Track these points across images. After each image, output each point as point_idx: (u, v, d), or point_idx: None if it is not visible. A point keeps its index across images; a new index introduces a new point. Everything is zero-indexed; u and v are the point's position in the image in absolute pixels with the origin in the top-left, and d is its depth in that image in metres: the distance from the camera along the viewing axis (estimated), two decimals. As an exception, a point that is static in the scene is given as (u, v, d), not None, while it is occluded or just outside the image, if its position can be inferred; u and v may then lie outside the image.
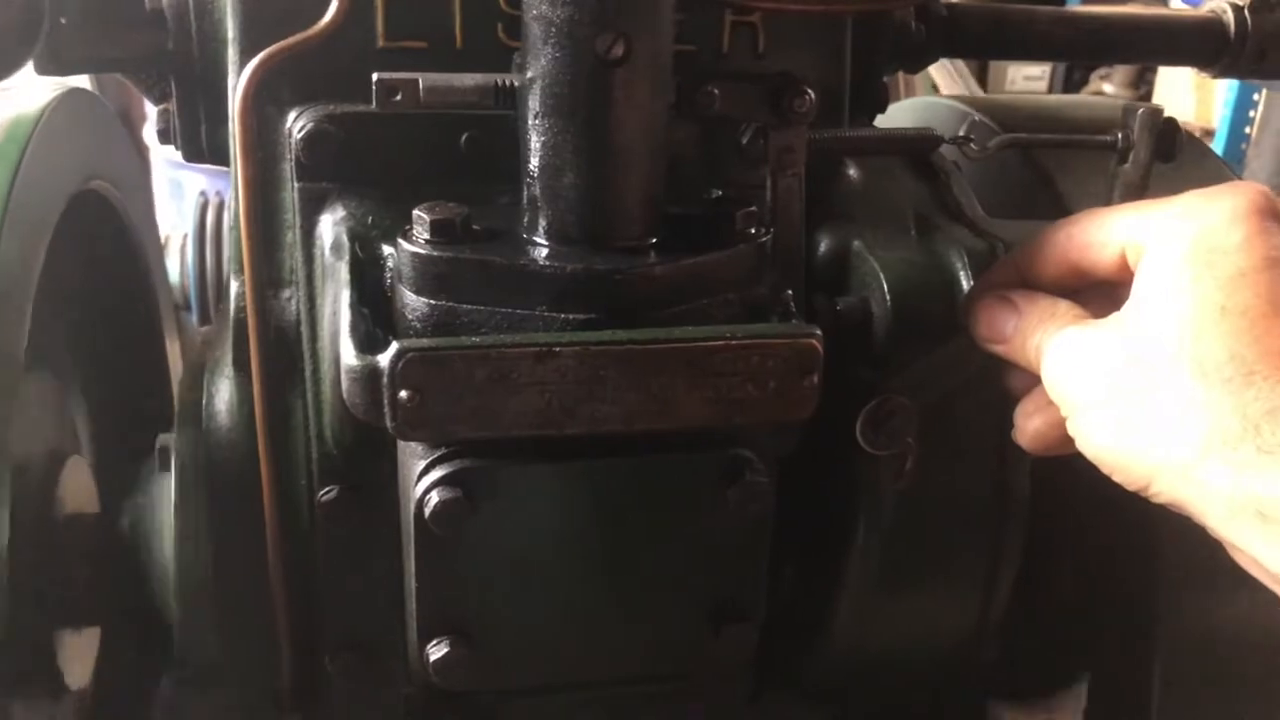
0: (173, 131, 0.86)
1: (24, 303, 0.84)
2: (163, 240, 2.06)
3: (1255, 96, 3.49)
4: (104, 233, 1.14)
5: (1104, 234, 0.63)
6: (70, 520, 0.96)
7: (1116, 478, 0.59)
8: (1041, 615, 0.93)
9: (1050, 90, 4.08)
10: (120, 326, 1.22)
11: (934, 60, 1.02)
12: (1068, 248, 0.66)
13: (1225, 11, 1.06)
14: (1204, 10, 1.08)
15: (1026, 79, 4.04)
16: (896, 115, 1.11)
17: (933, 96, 1.34)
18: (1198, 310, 0.56)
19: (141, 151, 2.30)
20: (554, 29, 0.60)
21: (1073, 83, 4.16)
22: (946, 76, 2.12)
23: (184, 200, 2.40)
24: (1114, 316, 0.60)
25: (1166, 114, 0.76)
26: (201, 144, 0.86)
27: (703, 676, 0.78)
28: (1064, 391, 0.62)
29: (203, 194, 2.17)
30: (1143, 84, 4.45)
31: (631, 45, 0.59)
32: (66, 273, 1.01)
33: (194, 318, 2.05)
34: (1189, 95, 3.97)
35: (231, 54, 0.74)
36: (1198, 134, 4.12)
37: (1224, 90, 3.70)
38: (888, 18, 0.90)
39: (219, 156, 0.84)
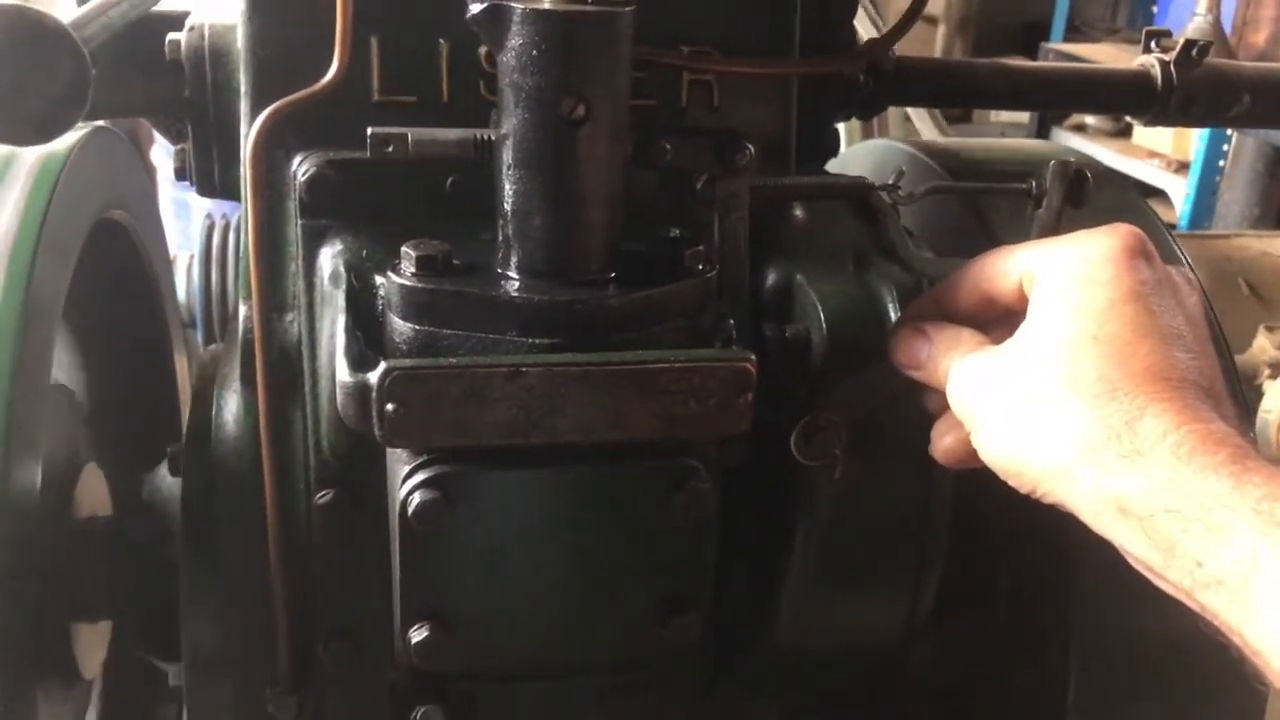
0: (189, 169, 0.95)
1: (55, 320, 0.93)
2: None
3: (1229, 132, 3.58)
4: (121, 257, 1.23)
5: (1007, 266, 0.73)
6: (86, 522, 1.05)
7: (1011, 482, 0.68)
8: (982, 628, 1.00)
9: (1031, 125, 4.19)
10: (134, 343, 1.30)
11: (883, 109, 1.11)
12: (978, 279, 0.75)
13: (1154, 66, 1.16)
14: (1135, 65, 1.18)
15: (1011, 114, 4.16)
16: (852, 157, 1.20)
17: (890, 140, 1.43)
18: (1074, 337, 0.66)
19: (149, 172, 2.36)
20: (523, 93, 0.69)
21: (1052, 118, 4.26)
22: (920, 118, 2.23)
23: (189, 220, 2.43)
24: (1008, 342, 0.70)
25: (1076, 166, 0.85)
26: (214, 181, 0.94)
27: (658, 666, 0.86)
28: (966, 408, 0.71)
29: (209, 216, 2.20)
30: (1122, 117, 4.56)
31: (591, 107, 0.69)
32: (88, 293, 1.10)
33: (199, 336, 2.12)
34: (1167, 129, 4.06)
35: (244, 106, 0.82)
36: (1174, 167, 4.20)
37: (1200, 125, 3.79)
38: (836, 74, 0.99)
39: (230, 192, 0.92)
